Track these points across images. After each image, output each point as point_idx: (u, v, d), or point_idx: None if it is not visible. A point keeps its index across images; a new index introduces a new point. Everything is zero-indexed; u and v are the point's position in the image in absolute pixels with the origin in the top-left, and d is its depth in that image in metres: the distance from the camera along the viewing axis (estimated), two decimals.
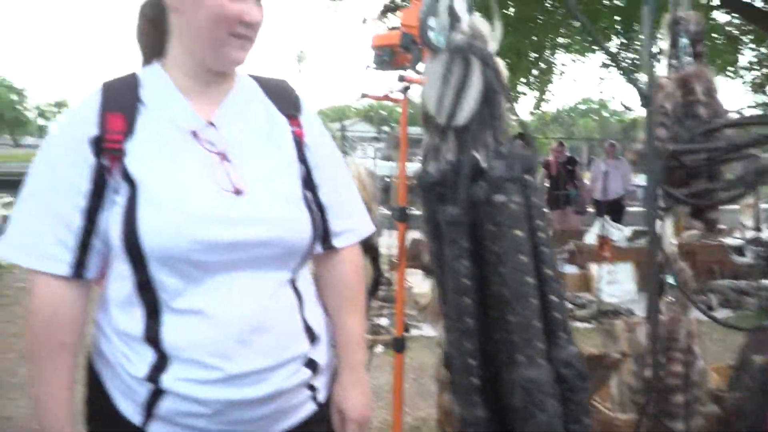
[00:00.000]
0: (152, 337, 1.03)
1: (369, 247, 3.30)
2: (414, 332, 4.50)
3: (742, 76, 9.98)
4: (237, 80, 1.15)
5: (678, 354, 1.98)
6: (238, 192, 1.05)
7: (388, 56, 2.16)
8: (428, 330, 4.37)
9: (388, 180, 8.13)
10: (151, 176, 1.02)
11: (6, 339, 4.48)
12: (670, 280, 2.07)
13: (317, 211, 1.16)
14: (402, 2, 8.10)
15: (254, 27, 1.08)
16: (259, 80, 1.20)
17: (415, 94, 2.90)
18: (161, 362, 1.03)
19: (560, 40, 8.95)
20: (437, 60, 1.36)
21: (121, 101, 1.05)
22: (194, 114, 1.08)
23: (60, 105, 64.80)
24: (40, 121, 65.13)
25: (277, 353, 1.07)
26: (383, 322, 4.42)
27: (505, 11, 8.58)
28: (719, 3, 7.48)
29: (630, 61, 8.90)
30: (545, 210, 1.34)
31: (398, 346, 2.25)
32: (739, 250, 6.83)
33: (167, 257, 1.00)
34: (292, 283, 1.12)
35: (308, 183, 1.15)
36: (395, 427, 2.44)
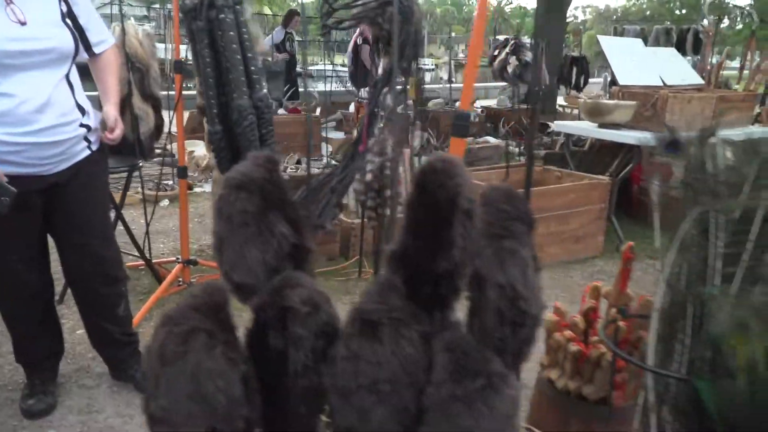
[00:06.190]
0: None
1: (150, 96, 4.22)
2: (197, 189, 5.23)
3: None
4: None
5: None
6: (23, 23, 1.74)
7: None
8: (208, 187, 5.16)
9: None
10: None
11: None
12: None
13: (80, 31, 1.91)
14: None
15: None
16: None
17: None
18: None
19: None
20: None
21: None
22: None
23: None
24: None
25: (61, 118, 1.82)
26: (168, 182, 5.04)
27: None
28: None
29: None
30: (245, 25, 2.60)
31: (182, 174, 3.20)
32: None
33: None
34: (67, 78, 1.86)
35: (71, 15, 1.87)
36: (183, 250, 3.22)
